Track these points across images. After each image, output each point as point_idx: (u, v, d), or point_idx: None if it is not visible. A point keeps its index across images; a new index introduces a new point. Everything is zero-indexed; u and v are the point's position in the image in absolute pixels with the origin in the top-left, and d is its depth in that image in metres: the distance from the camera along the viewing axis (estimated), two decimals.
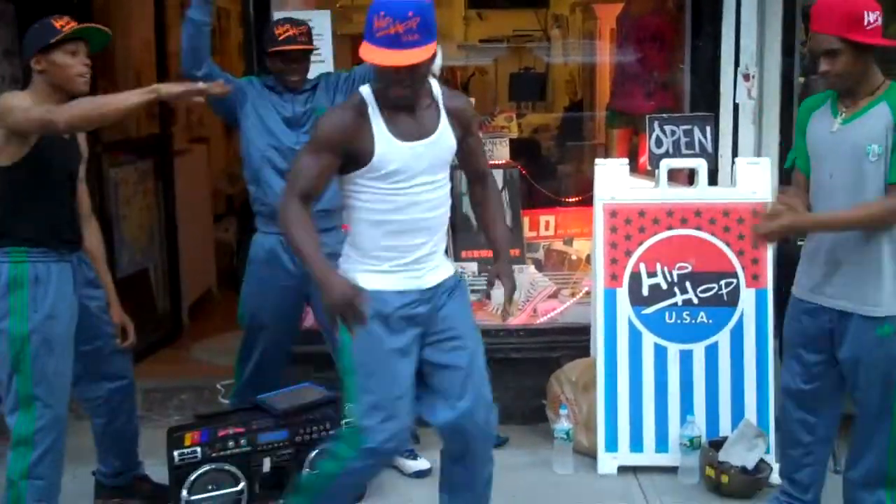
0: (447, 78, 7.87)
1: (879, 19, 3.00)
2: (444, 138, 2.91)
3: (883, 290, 3.09)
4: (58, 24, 3.21)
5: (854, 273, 3.12)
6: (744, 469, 3.74)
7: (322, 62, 4.41)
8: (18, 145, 3.14)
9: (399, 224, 2.86)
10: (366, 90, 2.87)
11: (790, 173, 3.42)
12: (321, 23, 4.50)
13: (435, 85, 2.94)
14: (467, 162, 3.10)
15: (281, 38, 3.75)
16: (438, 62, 2.93)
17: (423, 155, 2.85)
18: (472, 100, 3.45)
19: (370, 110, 2.83)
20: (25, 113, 3.07)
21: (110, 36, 3.39)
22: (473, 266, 4.81)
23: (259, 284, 3.88)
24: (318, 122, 2.95)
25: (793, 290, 3.37)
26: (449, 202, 2.98)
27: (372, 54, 2.69)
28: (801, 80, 4.41)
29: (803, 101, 3.43)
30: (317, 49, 4.06)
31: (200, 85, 3.19)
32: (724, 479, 3.73)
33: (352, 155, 2.82)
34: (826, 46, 3.01)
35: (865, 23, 2.96)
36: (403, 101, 2.81)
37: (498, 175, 4.88)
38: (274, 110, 3.80)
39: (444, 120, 2.91)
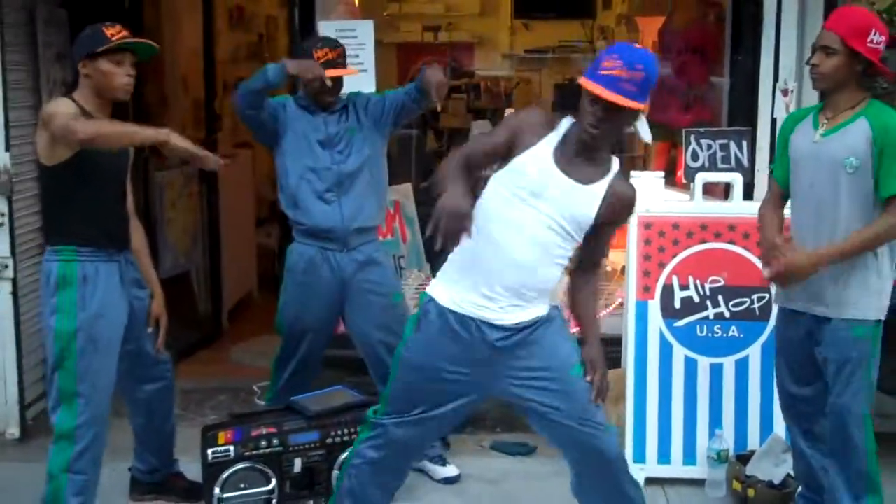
0: (491, 87, 7.95)
1: (883, 45, 3.11)
2: (584, 199, 2.83)
3: (855, 291, 3.16)
4: (109, 32, 3.25)
5: (826, 278, 3.17)
6: (770, 484, 3.73)
7: (365, 71, 4.49)
8: (66, 147, 3.20)
9: (495, 249, 2.80)
10: (566, 121, 2.87)
11: None
12: (364, 32, 4.58)
13: (615, 161, 2.91)
14: (589, 246, 2.97)
15: (320, 62, 3.75)
16: (646, 136, 2.90)
17: (559, 189, 2.80)
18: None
19: (552, 134, 2.84)
20: (61, 118, 3.14)
21: (157, 49, 3.46)
22: None
23: (297, 294, 3.91)
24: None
25: (775, 299, 3.50)
26: (558, 276, 2.89)
27: (589, 85, 2.71)
28: None
29: (790, 113, 3.50)
30: (357, 57, 4.12)
31: (203, 153, 3.22)
32: (751, 493, 3.73)
33: (510, 150, 2.84)
34: (825, 42, 3.14)
35: (869, 39, 3.10)
36: (590, 140, 2.78)
37: None
38: (309, 132, 3.83)
39: (600, 190, 2.84)
